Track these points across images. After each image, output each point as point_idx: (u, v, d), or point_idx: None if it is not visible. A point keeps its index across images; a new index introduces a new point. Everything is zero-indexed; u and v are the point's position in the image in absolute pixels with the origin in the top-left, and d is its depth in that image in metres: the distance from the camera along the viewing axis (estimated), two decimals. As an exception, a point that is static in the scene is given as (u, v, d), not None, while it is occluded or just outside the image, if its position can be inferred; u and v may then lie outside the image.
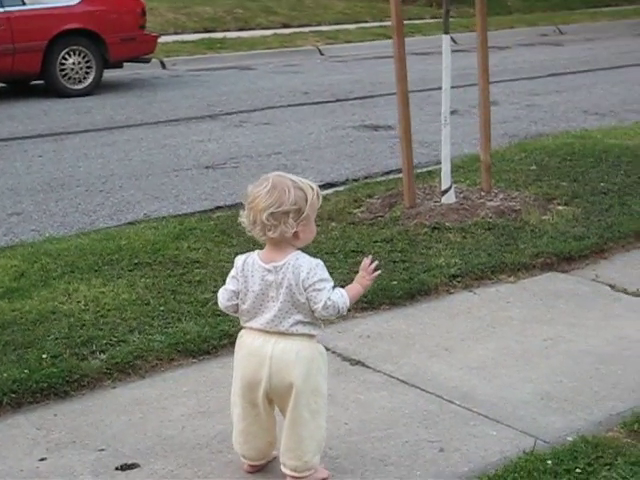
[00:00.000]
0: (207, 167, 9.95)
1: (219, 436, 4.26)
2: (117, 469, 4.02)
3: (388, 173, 9.80)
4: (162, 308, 5.56)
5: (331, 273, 3.81)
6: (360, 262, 6.18)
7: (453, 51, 7.55)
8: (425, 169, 9.51)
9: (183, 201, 8.68)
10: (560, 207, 7.50)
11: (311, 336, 3.79)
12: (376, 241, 6.73)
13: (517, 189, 7.92)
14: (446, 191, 7.52)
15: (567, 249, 6.51)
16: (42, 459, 4.12)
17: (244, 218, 3.72)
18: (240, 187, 9.00)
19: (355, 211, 7.56)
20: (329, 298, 3.69)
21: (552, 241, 6.67)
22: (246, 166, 9.96)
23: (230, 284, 3.82)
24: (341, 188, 8.71)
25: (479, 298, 5.88)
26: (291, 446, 3.81)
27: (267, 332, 3.75)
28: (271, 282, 3.71)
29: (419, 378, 4.81)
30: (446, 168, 7.50)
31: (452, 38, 17.23)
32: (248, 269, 3.76)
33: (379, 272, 3.97)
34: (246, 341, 3.82)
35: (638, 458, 3.84)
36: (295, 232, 3.66)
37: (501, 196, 7.67)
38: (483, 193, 7.70)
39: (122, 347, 5.05)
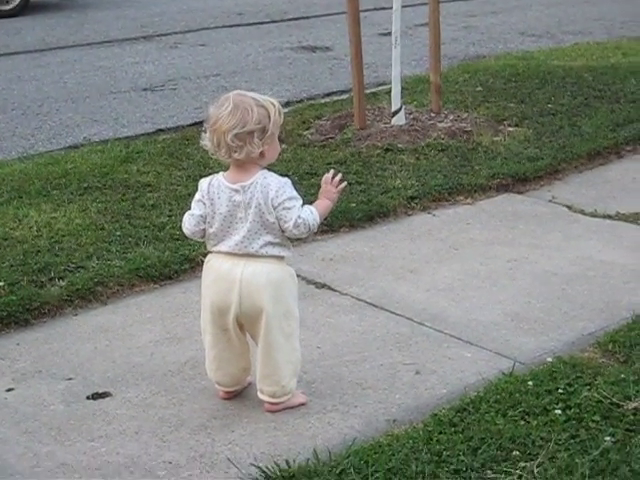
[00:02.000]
0: (145, 89, 9.71)
1: (190, 362, 4.17)
2: (88, 398, 3.92)
3: (329, 95, 9.66)
4: (118, 233, 5.42)
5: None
6: (316, 184, 6.18)
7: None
8: (368, 90, 9.35)
9: (123, 124, 8.47)
10: (511, 128, 7.45)
11: (281, 258, 3.70)
12: (329, 163, 6.62)
13: (466, 110, 7.85)
14: (396, 112, 7.42)
15: (522, 170, 6.48)
16: (9, 389, 4.00)
17: (207, 141, 3.61)
18: (180, 109, 8.96)
19: (305, 133, 7.44)
20: (299, 216, 3.61)
21: (506, 162, 6.63)
22: (185, 88, 9.74)
23: (196, 209, 3.70)
24: (285, 110, 8.52)
25: (438, 220, 5.84)
26: (267, 372, 3.74)
27: (236, 255, 3.64)
28: (239, 202, 3.60)
29: (387, 300, 4.75)
30: (396, 89, 7.40)
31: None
32: (214, 191, 3.64)
33: (345, 184, 3.88)
34: (214, 265, 3.71)
35: (617, 377, 3.83)
36: (261, 151, 3.55)
37: (451, 117, 7.60)
38: (433, 114, 7.63)
39: (81, 273, 4.91)
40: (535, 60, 9.91)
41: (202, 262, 5.01)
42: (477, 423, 3.56)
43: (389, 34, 12.65)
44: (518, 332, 4.43)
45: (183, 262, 5.07)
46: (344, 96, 9.18)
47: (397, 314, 4.60)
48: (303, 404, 3.83)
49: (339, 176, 3.79)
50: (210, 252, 3.76)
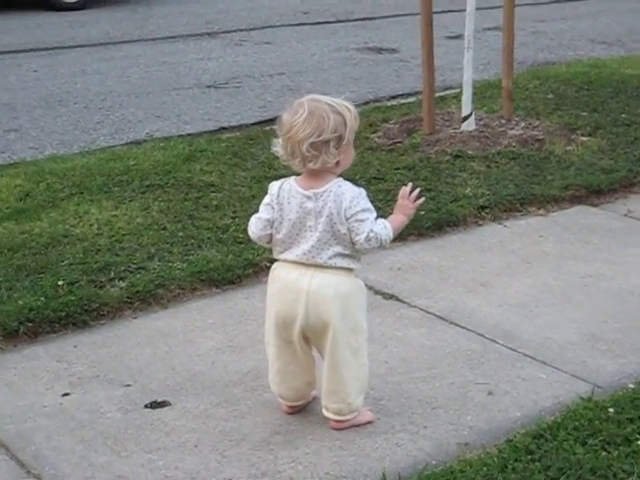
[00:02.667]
0: (209, 86, 9.60)
1: (252, 373, 4.01)
2: (147, 407, 3.77)
3: (395, 97, 9.49)
4: (180, 234, 5.28)
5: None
6: (384, 189, 6.02)
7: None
8: (436, 94, 9.15)
9: (186, 121, 8.35)
10: (584, 138, 7.22)
11: (350, 270, 3.51)
12: (397, 168, 6.45)
13: (537, 118, 7.63)
14: (466, 118, 7.22)
15: (596, 182, 6.25)
16: (65, 394, 3.86)
17: (279, 148, 3.45)
18: (244, 108, 8.81)
19: (372, 136, 7.26)
20: (372, 230, 3.42)
21: (580, 173, 6.40)
22: (249, 86, 9.62)
23: (264, 212, 3.53)
24: (351, 112, 8.35)
25: (510, 231, 5.63)
26: (333, 388, 3.57)
27: (303, 264, 3.46)
28: (310, 210, 3.42)
29: (457, 314, 4.56)
30: (467, 94, 7.20)
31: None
32: (284, 196, 3.47)
33: (423, 199, 3.70)
34: (280, 274, 3.53)
35: (703, 406, 3.61)
36: (337, 160, 3.38)
37: (522, 124, 7.38)
38: (503, 121, 7.42)
39: (142, 275, 4.78)
40: (607, 68, 9.64)
41: (266, 267, 4.90)
42: (555, 451, 3.36)
43: (457, 37, 12.54)
44: (595, 353, 4.22)
45: (246, 266, 4.92)
46: (411, 99, 9.01)
47: (468, 329, 4.42)
48: (370, 422, 3.66)
49: (417, 191, 3.61)
50: (276, 259, 3.58)
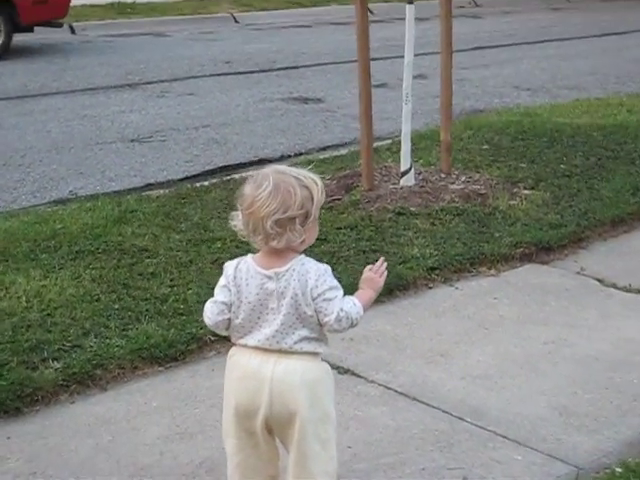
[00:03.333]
0: (132, 140, 9.27)
1: (206, 464, 3.69)
2: (92, 508, 3.40)
3: (324, 149, 9.28)
4: (116, 306, 4.93)
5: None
6: (328, 251, 5.75)
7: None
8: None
9: (111, 177, 8.03)
10: (526, 191, 7.04)
11: (316, 354, 3.21)
12: (339, 227, 6.18)
13: (477, 171, 7.45)
14: (406, 172, 7.01)
15: (545, 238, 6.06)
16: (0, 497, 3.48)
17: (238, 223, 3.14)
18: (170, 163, 8.47)
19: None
20: (341, 309, 3.12)
21: (527, 229, 6.21)
22: (174, 140, 9.32)
23: (220, 295, 3.20)
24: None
25: (462, 293, 5.39)
26: None
27: (265, 350, 3.15)
28: (272, 291, 3.12)
29: (419, 390, 4.29)
30: (406, 148, 6.99)
31: (369, 9, 16.86)
32: (241, 277, 3.15)
33: (386, 273, 3.40)
34: (240, 361, 3.21)
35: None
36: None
37: (463, 178, 7.19)
38: (443, 175, 7.21)
39: (78, 354, 4.41)
40: (539, 117, 9.54)
41: (211, 341, 4.61)
42: None
43: (381, 86, 12.40)
44: (569, 429, 3.98)
45: (190, 341, 4.60)
46: (342, 151, 8.81)
47: (432, 406, 4.14)
48: (341, 520, 3.34)
49: (384, 265, 3.32)
50: (234, 345, 3.26)
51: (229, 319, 3.20)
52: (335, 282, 3.15)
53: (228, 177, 7.57)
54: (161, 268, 5.44)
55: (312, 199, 3.07)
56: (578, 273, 5.73)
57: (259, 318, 3.15)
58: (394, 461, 3.71)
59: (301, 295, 3.10)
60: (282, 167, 3.15)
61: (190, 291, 5.09)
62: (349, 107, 11.07)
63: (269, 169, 3.11)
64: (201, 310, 4.71)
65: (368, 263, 5.39)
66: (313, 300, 3.10)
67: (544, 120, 9.30)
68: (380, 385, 4.31)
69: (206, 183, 7.36)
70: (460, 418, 4.04)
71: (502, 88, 12.53)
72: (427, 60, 12.38)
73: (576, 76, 13.35)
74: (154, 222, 6.26)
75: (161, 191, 7.22)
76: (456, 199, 6.73)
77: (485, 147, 8.30)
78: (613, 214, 6.56)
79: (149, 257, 5.62)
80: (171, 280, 5.27)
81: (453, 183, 7.09)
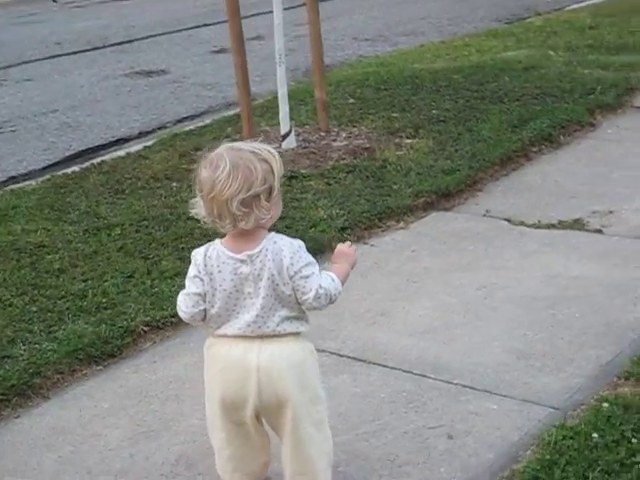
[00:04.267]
0: (-19, 134, 8.83)
1: (182, 460, 3.52)
2: (79, 525, 3.20)
3: (181, 121, 9.06)
4: (33, 308, 4.67)
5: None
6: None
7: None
8: (226, 114, 8.80)
9: (-32, 174, 7.61)
10: (408, 140, 7.02)
11: (298, 334, 3.08)
12: (237, 198, 6.00)
13: (353, 125, 7.38)
14: (286, 135, 6.88)
15: (444, 185, 6.06)
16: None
17: (200, 210, 2.97)
18: (28, 152, 8.10)
19: (192, 167, 6.71)
20: (320, 285, 2.99)
21: (423, 178, 6.20)
22: (25, 128, 8.96)
23: (192, 286, 3.02)
24: (149, 142, 7.85)
25: (379, 250, 5.33)
26: (301, 470, 3.13)
27: (247, 337, 3.00)
28: (247, 275, 2.97)
29: (372, 353, 4.21)
30: (284, 111, 6.87)
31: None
32: (212, 264, 2.99)
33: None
34: (220, 352, 3.04)
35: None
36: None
37: (343, 135, 7.12)
38: (323, 133, 7.12)
39: (10, 364, 4.15)
40: (395, 66, 9.54)
41: (144, 332, 4.42)
42: (562, 494, 3.06)
43: (223, 51, 12.20)
44: (532, 372, 3.97)
45: (124, 335, 4.39)
46: (199, 121, 8.61)
47: (391, 367, 4.07)
48: (340, 495, 3.24)
49: (353, 246, 3.26)
50: (212, 336, 3.10)
51: (205, 310, 3.03)
52: (310, 258, 3.03)
53: (99, 160, 7.28)
54: (67, 263, 5.18)
55: (273, 172, 2.93)
56: (484, 215, 5.75)
57: (236, 305, 3.00)
58: (374, 429, 3.62)
59: (277, 275, 2.96)
60: (236, 144, 2.97)
61: (107, 283, 4.87)
62: (195, 76, 10.89)
63: (222, 148, 2.94)
64: (126, 301, 4.59)
65: (277, 231, 5.31)
66: (290, 279, 2.97)
67: (401, 68, 9.30)
68: (332, 353, 4.21)
69: (77, 169, 7.06)
70: (423, 375, 3.98)
71: (342, 41, 12.50)
72: (259, 20, 12.24)
73: (410, 22, 13.45)
74: (41, 216, 5.96)
75: (33, 182, 6.88)
76: (344, 156, 6.65)
77: (351, 101, 8.24)
78: (500, 153, 6.60)
79: (49, 253, 5.35)
80: (82, 274, 5.02)
81: (335, 140, 7.01)
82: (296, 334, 3.06)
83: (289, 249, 2.98)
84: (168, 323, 4.51)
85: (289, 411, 3.01)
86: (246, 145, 2.96)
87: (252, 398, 2.99)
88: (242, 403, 3.02)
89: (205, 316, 3.04)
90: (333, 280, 3.05)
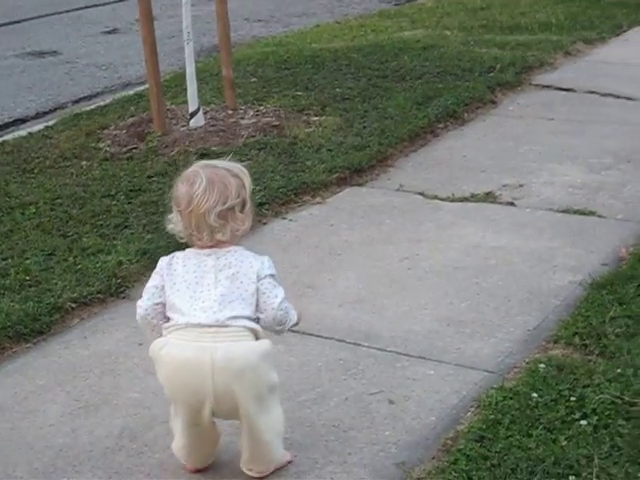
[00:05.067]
0: None
1: (126, 433, 3.51)
2: (29, 501, 3.16)
3: (79, 101, 8.95)
4: (-47, 289, 4.56)
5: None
6: (147, 201, 5.56)
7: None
8: (125, 93, 8.73)
9: None
10: (316, 118, 7.07)
11: (255, 330, 3.09)
12: (150, 176, 6.01)
13: (259, 104, 7.39)
14: (194, 113, 6.87)
15: (356, 160, 6.13)
16: None
17: (176, 225, 3.08)
18: None
19: (101, 146, 6.72)
20: (285, 300, 3.10)
21: (335, 154, 6.26)
22: None
23: (150, 281, 3.13)
24: (50, 123, 7.74)
25: (298, 224, 5.38)
26: (258, 455, 3.17)
27: (201, 334, 3.00)
28: (210, 267, 3.04)
29: (305, 323, 4.16)
30: (192, 88, 6.85)
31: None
32: (177, 262, 3.09)
33: None
34: (171, 352, 3.02)
35: (613, 374, 3.58)
36: None
37: (251, 113, 7.13)
38: (230, 111, 7.12)
39: (-64, 346, 4.06)
40: (294, 45, 9.59)
41: (72, 309, 4.37)
42: (508, 451, 3.16)
43: (113, 32, 12.07)
44: (463, 338, 4.07)
45: (52, 312, 4.34)
46: (99, 101, 8.51)
47: (325, 337, 4.12)
48: (290, 462, 3.28)
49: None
50: (165, 333, 3.09)
51: (162, 304, 3.07)
52: (277, 276, 3.13)
53: (0, 140, 7.15)
54: (-22, 241, 5.09)
55: (245, 186, 3.08)
56: (398, 190, 5.83)
57: (193, 295, 3.03)
58: (315, 396, 3.67)
59: (243, 273, 3.04)
60: (209, 162, 3.15)
61: (28, 261, 4.81)
62: (89, 56, 10.75)
63: (197, 166, 3.10)
64: (50, 278, 4.55)
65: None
66: (258, 280, 3.05)
67: (300, 48, 9.35)
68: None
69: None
70: (357, 344, 4.04)
71: (234, 22, 12.30)
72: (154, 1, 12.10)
73: (301, 3, 13.50)
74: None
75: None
76: (253, 133, 6.67)
77: (254, 80, 8.25)
78: (408, 130, 6.70)
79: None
80: (1, 252, 4.94)
81: (243, 118, 7.02)
82: (252, 331, 3.07)
83: (259, 258, 3.10)
84: (95, 300, 4.48)
85: (245, 406, 3.02)
86: (220, 163, 3.13)
87: (208, 400, 3.00)
88: (199, 405, 3.02)
89: (160, 314, 3.07)
90: (293, 309, 3.16)
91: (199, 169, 3.05)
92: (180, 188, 3.04)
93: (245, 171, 3.10)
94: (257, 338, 3.07)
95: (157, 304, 3.07)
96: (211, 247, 3.06)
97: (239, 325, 3.02)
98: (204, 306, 3.00)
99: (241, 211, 3.04)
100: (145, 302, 3.09)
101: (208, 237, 3.01)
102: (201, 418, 3.05)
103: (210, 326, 2.99)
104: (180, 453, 3.23)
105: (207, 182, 2.99)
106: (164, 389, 3.11)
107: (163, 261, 3.11)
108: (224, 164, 3.11)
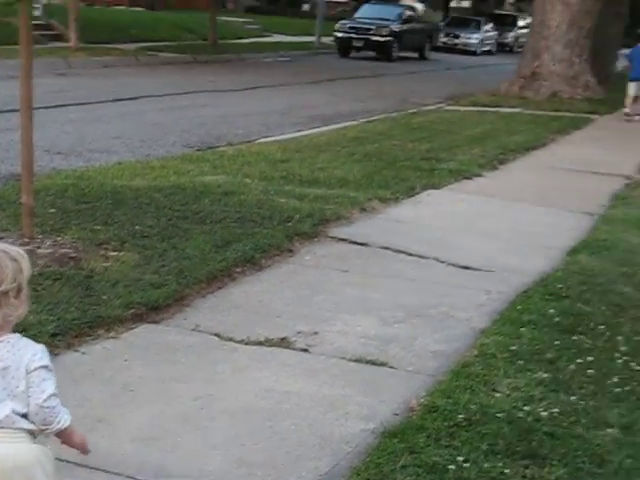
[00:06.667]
0: None
1: None
2: None
3: None
4: None
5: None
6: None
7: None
8: None
9: None
10: (114, 253, 7.03)
11: (31, 432, 3.01)
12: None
13: (57, 235, 7.30)
14: (-11, 239, 6.70)
15: (153, 298, 6.11)
16: None
17: None
18: None
19: None
20: (55, 395, 2.98)
21: (132, 290, 6.22)
22: None
23: None
24: None
25: (91, 358, 5.29)
26: None
27: None
28: None
29: (94, 458, 4.08)
30: (-10, 214, 6.69)
31: None
32: None
33: None
34: None
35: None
36: None
37: (48, 242, 7.04)
38: (27, 239, 7.00)
39: None
40: (94, 180, 9.54)
41: None
42: None
43: None
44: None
45: None
46: None
47: (114, 473, 4.07)
48: None
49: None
50: None
51: None
52: (51, 365, 3.03)
53: None
54: None
55: (22, 271, 2.98)
56: (194, 330, 5.83)
57: None
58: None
59: (15, 369, 2.94)
60: None
61: None
62: None
63: None
64: None
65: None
66: (27, 374, 2.94)
67: (101, 183, 9.32)
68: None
69: None
70: (147, 482, 3.96)
71: (34, 152, 12.30)
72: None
73: (103, 139, 13.50)
74: None
75: None
76: (49, 264, 6.57)
77: (52, 210, 8.15)
78: (206, 271, 6.74)
79: None
80: None
81: (39, 248, 6.91)
82: (29, 433, 2.97)
83: (33, 347, 2.99)
84: None
85: None
86: None
87: None
88: None
89: None
90: (68, 412, 3.04)
91: None
92: None
93: (24, 255, 2.98)
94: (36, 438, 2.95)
95: None
96: None
97: (14, 425, 2.91)
98: None
99: (16, 297, 2.93)
100: None
101: None
102: None
103: None
104: None
105: None
106: None
107: None
108: (2, 246, 2.98)
